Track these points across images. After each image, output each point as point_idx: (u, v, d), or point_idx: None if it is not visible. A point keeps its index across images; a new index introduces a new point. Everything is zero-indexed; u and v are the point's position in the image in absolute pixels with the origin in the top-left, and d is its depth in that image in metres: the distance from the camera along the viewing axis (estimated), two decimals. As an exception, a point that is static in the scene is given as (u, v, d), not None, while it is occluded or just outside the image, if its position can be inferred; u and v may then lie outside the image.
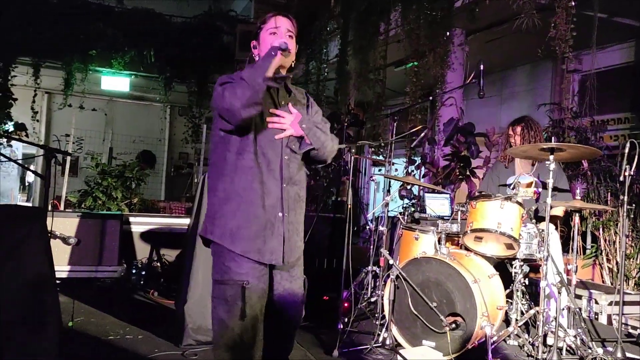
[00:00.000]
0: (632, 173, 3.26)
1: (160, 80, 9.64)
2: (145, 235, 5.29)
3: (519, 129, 3.94)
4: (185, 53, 9.21)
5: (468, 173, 6.10)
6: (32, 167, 6.11)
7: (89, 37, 8.74)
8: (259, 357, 2.07)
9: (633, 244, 4.84)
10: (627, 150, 3.26)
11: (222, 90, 1.98)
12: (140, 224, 5.32)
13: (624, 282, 4.74)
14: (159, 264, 5.15)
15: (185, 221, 4.90)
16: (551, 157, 3.10)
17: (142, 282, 4.85)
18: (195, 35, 9.25)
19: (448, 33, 6.24)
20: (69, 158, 5.68)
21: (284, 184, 2.09)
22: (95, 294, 4.43)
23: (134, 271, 4.94)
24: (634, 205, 4.62)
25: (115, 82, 9.83)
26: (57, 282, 4.36)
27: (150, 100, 10.67)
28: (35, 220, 2.60)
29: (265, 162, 2.06)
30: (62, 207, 5.58)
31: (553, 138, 3.38)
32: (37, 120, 9.65)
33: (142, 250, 5.23)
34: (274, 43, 2.06)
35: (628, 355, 3.26)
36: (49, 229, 4.37)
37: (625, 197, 3.33)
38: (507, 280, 3.56)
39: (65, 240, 4.55)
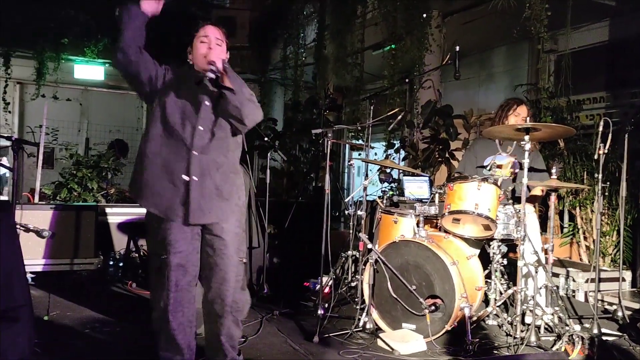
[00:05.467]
0: (606, 151, 3.28)
1: (135, 68, 9.44)
2: (122, 226, 5.20)
3: (525, 109, 3.82)
4: (159, 40, 9.01)
5: (447, 155, 6.12)
6: (4, 159, 5.96)
7: (60, 24, 8.51)
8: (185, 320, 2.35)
9: (609, 222, 4.91)
10: (601, 128, 3.28)
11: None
12: (117, 214, 5.22)
13: (601, 259, 4.82)
14: (137, 255, 5.07)
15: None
16: (526, 137, 3.10)
17: (119, 274, 4.78)
18: (170, 21, 9.05)
19: (425, 15, 6.21)
20: (42, 149, 5.54)
21: (194, 151, 2.30)
22: (71, 286, 4.35)
23: (111, 263, 4.86)
24: (608, 183, 4.68)
25: (89, 70, 9.61)
26: (32, 275, 4.32)
27: (126, 89, 10.43)
28: (2, 214, 2.52)
29: (176, 132, 2.31)
30: (36, 200, 5.45)
31: (528, 118, 3.39)
32: (9, 112, 9.43)
33: (120, 242, 5.14)
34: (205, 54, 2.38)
35: (604, 331, 3.31)
36: (20, 222, 4.31)
37: (600, 175, 3.36)
38: (486, 260, 3.58)
39: (39, 233, 4.46)
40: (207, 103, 2.38)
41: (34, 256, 4.47)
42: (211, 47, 2.39)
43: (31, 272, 4.35)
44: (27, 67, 9.15)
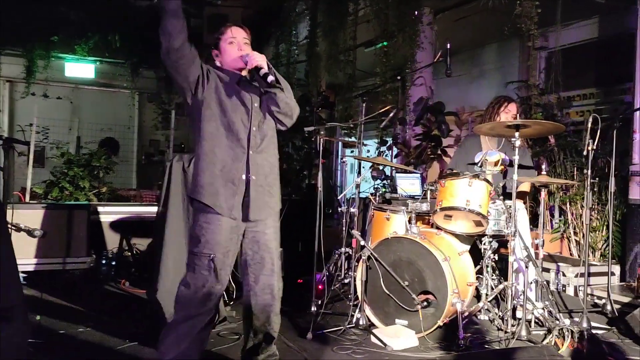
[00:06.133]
0: (595, 147, 3.31)
1: (126, 66, 9.41)
2: (115, 225, 5.18)
3: (515, 107, 3.87)
4: (151, 37, 8.96)
5: (439, 152, 6.15)
6: (-6, 159, 5.94)
7: (50, 22, 8.45)
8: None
9: (598, 217, 4.96)
10: (590, 124, 3.31)
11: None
12: (109, 213, 5.20)
13: (590, 254, 4.88)
14: (130, 254, 5.06)
15: (156, 209, 4.82)
16: (516, 134, 3.13)
17: (112, 273, 4.77)
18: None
19: (416, 12, 6.23)
20: (32, 148, 5.52)
21: (250, 151, 2.38)
22: (64, 286, 4.34)
23: (104, 261, 4.85)
24: (597, 179, 4.73)
25: (80, 68, 9.57)
26: (24, 275, 4.30)
27: (117, 87, 10.40)
28: (-7, 214, 2.51)
29: (233, 132, 2.37)
30: (27, 199, 5.43)
31: (520, 115, 3.42)
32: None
33: (113, 240, 5.13)
34: (239, 55, 2.42)
35: (593, 324, 3.35)
36: (12, 221, 4.29)
37: (589, 171, 3.40)
38: (477, 256, 3.61)
39: (30, 232, 4.44)
40: (255, 104, 2.44)
41: (25, 256, 4.45)
42: (242, 48, 2.44)
43: (23, 272, 4.33)
44: (16, 65, 9.09)
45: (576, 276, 4.30)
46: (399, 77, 5.14)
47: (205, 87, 2.37)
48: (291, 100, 2.45)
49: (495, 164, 3.68)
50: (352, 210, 3.98)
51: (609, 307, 3.69)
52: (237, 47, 2.44)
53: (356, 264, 3.53)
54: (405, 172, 4.63)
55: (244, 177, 2.37)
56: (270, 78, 2.30)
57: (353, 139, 6.78)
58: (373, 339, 3.14)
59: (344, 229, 4.25)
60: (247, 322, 2.56)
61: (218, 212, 2.33)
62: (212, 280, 2.33)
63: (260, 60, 2.35)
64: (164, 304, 3.22)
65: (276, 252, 2.50)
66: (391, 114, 4.37)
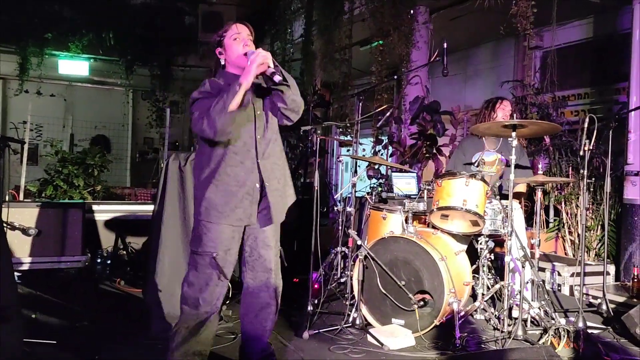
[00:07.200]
0: (591, 147, 3.33)
1: (121, 64, 9.37)
2: (110, 223, 5.15)
3: (509, 104, 3.91)
4: (146, 35, 8.94)
5: (435, 151, 6.16)
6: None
7: (44, 19, 8.40)
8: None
9: (593, 216, 4.98)
10: (586, 125, 3.32)
11: (198, 118, 2.26)
12: (104, 211, 5.17)
13: (585, 254, 4.90)
14: (125, 252, 5.04)
15: (151, 207, 4.80)
16: (513, 133, 3.14)
17: (108, 271, 4.75)
18: (156, 16, 8.98)
19: (412, 11, 6.23)
20: (26, 146, 5.47)
21: (259, 159, 2.39)
22: (59, 284, 4.32)
23: (99, 260, 4.82)
24: (593, 179, 4.75)
25: (74, 66, 9.52)
26: (19, 274, 4.27)
27: (111, 85, 10.38)
28: (-11, 213, 2.49)
29: (238, 146, 2.35)
30: (21, 197, 5.39)
31: (515, 115, 3.43)
32: (-8, 108, 9.31)
33: (108, 239, 5.10)
34: (243, 51, 2.34)
35: (589, 324, 3.37)
36: (6, 220, 4.25)
37: (585, 172, 3.41)
38: (473, 256, 3.62)
39: (25, 231, 4.40)
40: (258, 112, 2.42)
41: (20, 254, 4.41)
42: (247, 44, 2.38)
43: (17, 271, 4.30)
44: (9, 62, 9.03)
45: (572, 276, 4.32)
46: (395, 77, 5.14)
47: None
48: (297, 97, 2.38)
49: (492, 164, 3.69)
50: (348, 209, 3.98)
51: (604, 307, 3.71)
52: (241, 43, 2.39)
53: (353, 263, 3.53)
54: (401, 171, 4.63)
55: (258, 185, 2.38)
56: (277, 78, 2.25)
57: (349, 137, 6.79)
58: (369, 338, 3.14)
59: (340, 228, 4.25)
60: (244, 321, 2.56)
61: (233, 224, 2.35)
62: (215, 278, 2.36)
63: (266, 56, 2.28)
64: (160, 303, 3.21)
65: (274, 250, 2.49)
66: (387, 113, 4.36)
